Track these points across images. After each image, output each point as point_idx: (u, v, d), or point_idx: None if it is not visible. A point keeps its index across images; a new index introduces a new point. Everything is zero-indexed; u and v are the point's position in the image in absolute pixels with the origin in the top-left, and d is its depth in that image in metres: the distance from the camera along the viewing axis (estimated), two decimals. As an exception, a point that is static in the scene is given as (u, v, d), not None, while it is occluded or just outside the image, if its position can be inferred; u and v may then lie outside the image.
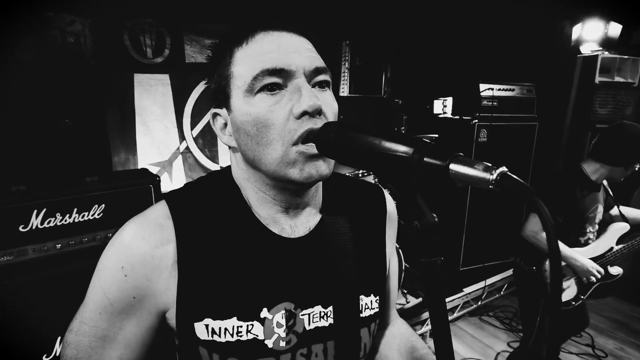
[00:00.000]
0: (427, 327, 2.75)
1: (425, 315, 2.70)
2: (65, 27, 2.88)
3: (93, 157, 3.00)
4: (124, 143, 3.25)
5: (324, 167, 0.58)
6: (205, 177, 0.71)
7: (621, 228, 1.96)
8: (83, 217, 1.71)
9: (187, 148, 3.35)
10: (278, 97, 0.57)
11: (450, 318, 2.93)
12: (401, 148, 0.42)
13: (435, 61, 3.72)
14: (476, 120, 2.93)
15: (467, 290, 2.95)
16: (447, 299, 2.85)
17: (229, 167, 0.69)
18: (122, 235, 0.59)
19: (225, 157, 3.82)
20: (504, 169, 0.36)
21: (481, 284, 2.99)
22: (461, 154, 0.39)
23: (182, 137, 3.33)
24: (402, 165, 0.42)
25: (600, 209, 1.95)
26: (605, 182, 1.98)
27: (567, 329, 2.26)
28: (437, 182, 0.38)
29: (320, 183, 0.70)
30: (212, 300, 0.59)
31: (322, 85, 0.61)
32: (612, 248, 1.94)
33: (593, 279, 1.86)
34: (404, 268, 2.56)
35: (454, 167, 0.38)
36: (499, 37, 3.50)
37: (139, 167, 3.30)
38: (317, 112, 0.57)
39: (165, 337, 0.65)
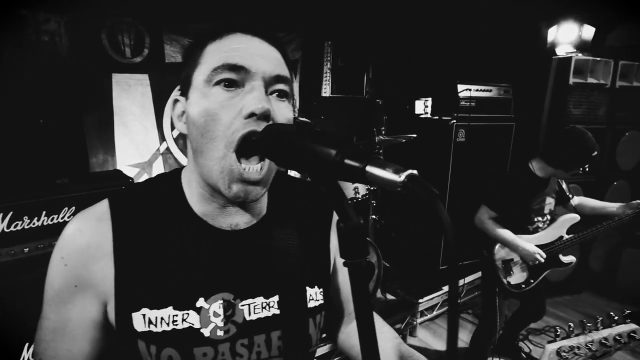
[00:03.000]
0: (406, 324, 2.78)
1: (402, 314, 2.73)
2: (40, 25, 2.82)
3: (69, 159, 2.95)
4: (102, 144, 3.20)
5: (255, 192, 0.61)
6: (154, 177, 0.74)
7: (570, 219, 2.08)
8: (52, 220, 1.68)
9: (168, 149, 3.31)
10: (232, 94, 0.59)
11: (429, 316, 2.97)
12: (326, 150, 0.43)
13: (416, 62, 3.76)
14: (454, 121, 2.97)
15: (445, 288, 2.99)
16: (427, 297, 2.89)
17: (182, 167, 0.72)
18: (64, 230, 0.63)
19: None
20: (412, 171, 0.37)
21: (460, 282, 3.03)
22: (380, 156, 0.39)
23: (162, 138, 3.28)
24: (327, 167, 0.43)
25: (549, 201, 2.09)
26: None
27: (523, 316, 2.37)
28: (357, 182, 0.39)
29: None
30: (149, 290, 0.61)
31: (280, 94, 0.63)
32: (562, 237, 2.08)
33: (536, 261, 2.00)
34: (382, 267, 2.58)
35: (369, 169, 0.39)
36: (477, 38, 3.56)
37: (118, 168, 3.25)
38: (265, 117, 0.58)
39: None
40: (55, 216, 1.68)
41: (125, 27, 3.12)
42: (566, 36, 3.29)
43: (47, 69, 2.84)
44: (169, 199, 0.67)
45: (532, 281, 2.10)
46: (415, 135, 2.74)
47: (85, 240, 0.61)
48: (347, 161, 0.41)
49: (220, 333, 0.63)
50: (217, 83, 0.59)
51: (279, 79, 0.61)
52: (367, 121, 3.21)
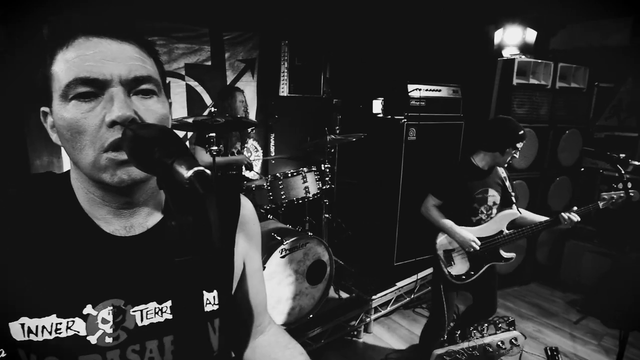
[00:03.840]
0: (360, 321, 2.82)
1: (356, 311, 2.77)
2: (-31, 19, 2.65)
3: (6, 161, 2.80)
4: (46, 145, 3.05)
5: (137, 171, 0.59)
6: (43, 175, 0.70)
7: (510, 214, 2.18)
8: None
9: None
10: (93, 105, 0.58)
11: (384, 312, 3.03)
12: (152, 148, 0.43)
13: (370, 62, 3.83)
14: (405, 120, 3.04)
15: (399, 284, 3.05)
16: (381, 294, 2.94)
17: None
18: None
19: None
20: (201, 169, 0.37)
21: (413, 278, 3.10)
22: (191, 155, 0.40)
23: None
24: (152, 164, 0.44)
25: (493, 192, 2.18)
26: (503, 173, 2.23)
27: (474, 312, 2.45)
28: (171, 180, 0.39)
29: None
30: (29, 298, 0.59)
31: (145, 93, 0.61)
32: (502, 232, 2.17)
33: (472, 249, 2.10)
34: (334, 265, 2.60)
35: (175, 165, 0.39)
36: (428, 40, 3.67)
37: (65, 170, 3.11)
38: (130, 122, 0.57)
39: None
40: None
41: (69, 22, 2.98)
42: (511, 39, 3.45)
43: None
44: (58, 202, 0.65)
45: (472, 273, 2.17)
46: (364, 135, 2.78)
47: None
48: (162, 158, 0.41)
49: (108, 340, 0.61)
50: (74, 98, 0.57)
51: (137, 80, 0.60)
52: (322, 120, 3.23)
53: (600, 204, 2.16)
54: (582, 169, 2.77)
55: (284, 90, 3.88)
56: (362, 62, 3.89)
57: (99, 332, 0.61)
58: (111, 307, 0.62)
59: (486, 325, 0.96)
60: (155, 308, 0.66)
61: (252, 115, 3.84)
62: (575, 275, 3.58)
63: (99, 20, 0.60)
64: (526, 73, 3.22)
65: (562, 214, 2.12)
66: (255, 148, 3.82)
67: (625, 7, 3.46)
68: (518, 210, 2.22)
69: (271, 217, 2.72)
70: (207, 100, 3.71)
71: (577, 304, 3.37)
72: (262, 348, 0.88)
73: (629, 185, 2.07)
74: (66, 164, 3.13)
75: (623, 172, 2.13)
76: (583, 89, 3.53)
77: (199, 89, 3.67)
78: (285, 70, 3.86)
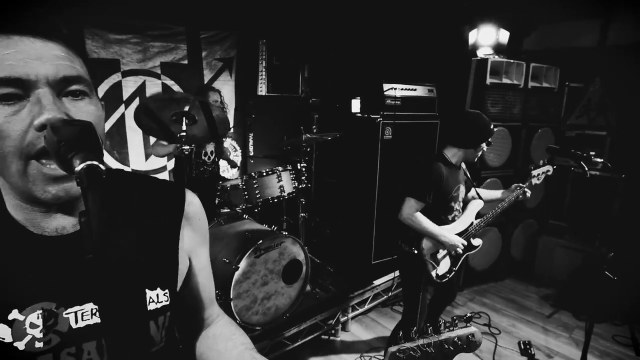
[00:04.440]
0: (337, 319, 2.83)
1: (333, 310, 2.77)
2: None
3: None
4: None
5: (75, 187, 0.55)
6: None
7: (477, 205, 2.24)
8: None
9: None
10: (17, 108, 0.54)
11: (361, 310, 3.04)
12: (59, 143, 0.42)
13: (347, 62, 3.84)
14: (381, 119, 3.06)
15: (376, 282, 3.07)
16: (359, 292, 2.95)
17: None
18: None
19: (138, 159, 3.64)
20: (92, 162, 0.37)
21: (390, 276, 3.13)
22: (93, 149, 0.40)
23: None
24: (60, 160, 0.43)
25: (462, 188, 2.22)
26: (464, 166, 2.25)
27: (438, 301, 2.48)
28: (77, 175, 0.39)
29: None
30: None
31: (75, 94, 0.59)
32: (472, 222, 2.22)
33: (459, 250, 2.11)
34: (310, 264, 2.60)
35: (73, 160, 0.39)
36: (404, 39, 3.70)
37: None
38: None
39: None
40: None
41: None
42: (485, 39, 3.51)
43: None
44: None
45: (454, 269, 2.20)
46: (339, 134, 2.79)
47: None
48: (65, 154, 0.41)
49: (39, 345, 0.59)
50: None
51: (67, 80, 0.57)
52: (300, 120, 3.23)
53: (533, 181, 2.37)
54: (555, 167, 2.84)
55: (262, 90, 3.86)
56: (339, 62, 3.90)
57: (28, 338, 0.59)
58: (41, 311, 0.60)
59: (443, 322, 0.96)
60: (92, 309, 0.64)
61: (231, 115, 3.81)
62: (548, 270, 3.67)
63: (20, 17, 0.56)
64: (499, 73, 3.28)
65: (525, 187, 2.32)
66: (234, 148, 3.79)
67: (594, 10, 3.57)
68: (479, 195, 2.30)
69: (247, 216, 2.70)
70: (184, 99, 3.66)
71: (550, 299, 3.46)
72: (207, 340, 0.87)
73: (546, 161, 2.50)
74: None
75: (587, 168, 2.22)
76: (554, 88, 3.62)
77: (176, 87, 3.62)
78: (264, 70, 3.84)
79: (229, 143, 3.71)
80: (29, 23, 0.56)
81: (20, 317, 0.59)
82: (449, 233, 2.09)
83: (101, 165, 0.37)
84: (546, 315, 3.24)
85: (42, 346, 0.59)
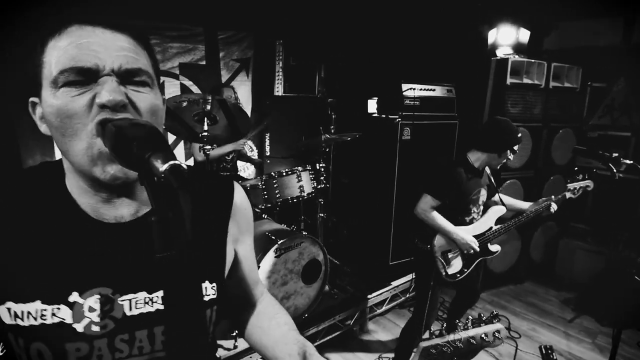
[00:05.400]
0: (356, 320, 2.82)
1: (351, 310, 2.77)
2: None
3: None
4: (39, 145, 3.03)
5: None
6: (37, 165, 0.70)
7: (498, 210, 2.24)
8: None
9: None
10: (83, 90, 0.57)
11: (379, 311, 3.03)
12: (131, 143, 0.43)
13: (365, 62, 3.83)
14: (399, 119, 3.04)
15: (394, 283, 3.06)
16: (377, 293, 2.94)
17: None
18: None
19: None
20: (176, 162, 0.37)
21: (408, 277, 3.11)
22: (169, 149, 0.40)
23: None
24: (130, 158, 0.43)
25: (484, 192, 2.21)
26: (488, 171, 2.25)
27: (459, 303, 2.48)
28: (152, 173, 0.39)
29: None
30: (15, 283, 0.59)
31: (137, 84, 0.61)
32: (491, 227, 2.22)
33: (472, 251, 2.12)
34: (329, 264, 2.60)
35: (151, 159, 0.39)
36: (422, 39, 3.67)
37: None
38: (121, 107, 0.57)
39: None
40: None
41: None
42: (505, 39, 3.46)
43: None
44: (48, 190, 0.65)
45: (465, 270, 2.20)
46: (358, 134, 2.78)
47: None
48: (139, 152, 0.41)
49: (95, 328, 0.61)
50: (64, 85, 0.57)
51: (130, 73, 0.59)
52: (316, 120, 3.23)
53: (567, 194, 2.32)
54: (576, 168, 2.79)
55: (278, 90, 3.87)
56: (356, 62, 3.89)
57: (86, 321, 0.61)
58: (98, 296, 0.62)
59: (471, 318, 0.97)
60: (145, 298, 0.65)
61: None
62: (569, 273, 3.60)
63: (93, 11, 0.60)
64: (520, 73, 3.23)
65: (551, 202, 2.29)
66: (251, 147, 3.81)
67: (616, 7, 3.49)
68: (502, 202, 2.27)
69: (266, 216, 2.71)
70: (202, 99, 3.69)
71: (572, 303, 3.39)
72: (252, 317, 0.90)
73: (586, 176, 2.37)
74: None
75: (615, 170, 2.17)
76: (576, 88, 3.55)
77: (194, 88, 3.66)
78: (280, 70, 3.85)
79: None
80: (102, 15, 0.60)
81: (80, 300, 0.61)
82: (462, 232, 2.10)
83: (183, 165, 0.38)
84: (567, 320, 3.18)
85: (98, 330, 0.61)
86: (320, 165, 2.86)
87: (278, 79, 3.88)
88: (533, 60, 3.26)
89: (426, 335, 2.24)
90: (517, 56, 3.30)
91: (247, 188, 2.61)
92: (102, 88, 0.56)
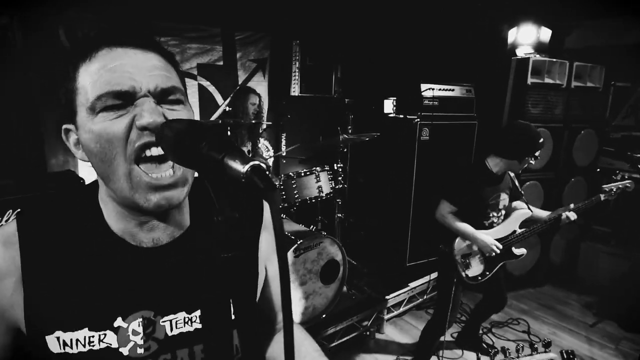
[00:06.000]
0: (373, 321, 2.81)
1: (369, 311, 2.76)
2: (-12, 20, 2.69)
3: (22, 159, 2.84)
4: (62, 144, 3.08)
5: (177, 195, 0.59)
6: (72, 190, 0.72)
7: (523, 214, 2.20)
8: (-5, 223, 1.61)
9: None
10: (122, 112, 0.57)
11: (396, 312, 3.01)
12: (196, 142, 0.43)
13: (382, 62, 3.81)
14: (418, 119, 3.02)
15: (412, 285, 3.03)
16: (394, 294, 2.92)
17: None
18: None
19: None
20: (257, 163, 0.37)
21: (426, 279, 3.08)
22: (242, 149, 0.40)
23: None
24: (197, 158, 0.43)
25: (504, 197, 2.17)
26: (511, 175, 2.22)
27: (485, 307, 2.45)
28: (220, 176, 0.39)
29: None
30: (62, 313, 0.60)
31: (171, 103, 0.61)
32: (515, 231, 2.19)
33: (493, 253, 2.09)
34: (347, 265, 2.59)
35: (226, 160, 0.39)
36: (440, 39, 3.64)
37: (79, 170, 3.15)
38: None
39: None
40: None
41: (85, 23, 3.02)
42: (525, 38, 3.40)
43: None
44: (84, 218, 0.65)
45: (487, 273, 2.18)
46: (377, 134, 2.77)
47: None
48: (210, 152, 0.41)
49: (140, 351, 0.62)
50: (102, 110, 0.56)
51: (164, 92, 0.59)
52: (334, 120, 3.22)
53: (602, 196, 2.23)
54: (598, 170, 2.72)
55: (295, 90, 3.88)
56: (373, 62, 3.87)
57: (131, 344, 0.62)
58: (141, 319, 0.63)
59: (522, 345, 0.95)
60: (184, 318, 0.66)
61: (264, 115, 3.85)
62: (590, 277, 3.52)
63: (120, 30, 0.59)
64: (541, 72, 3.17)
65: (563, 213, 2.18)
66: (267, 148, 3.83)
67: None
68: (529, 208, 2.22)
69: (284, 216, 2.72)
70: (219, 99, 3.72)
71: (593, 307, 3.32)
72: (279, 344, 0.87)
73: (626, 176, 2.23)
74: (82, 163, 3.16)
75: (644, 172, 2.12)
76: (599, 88, 3.47)
77: (211, 88, 3.69)
78: (297, 70, 3.86)
79: (262, 143, 3.75)
80: (130, 35, 0.59)
81: (124, 325, 0.62)
82: (482, 234, 2.08)
83: (263, 164, 0.37)
84: (589, 325, 3.10)
85: (142, 352, 0.63)
86: (338, 165, 2.85)
87: (294, 79, 3.89)
88: (555, 60, 3.20)
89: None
90: (538, 55, 3.24)
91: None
92: (142, 109, 0.56)
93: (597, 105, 3.56)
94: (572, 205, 2.21)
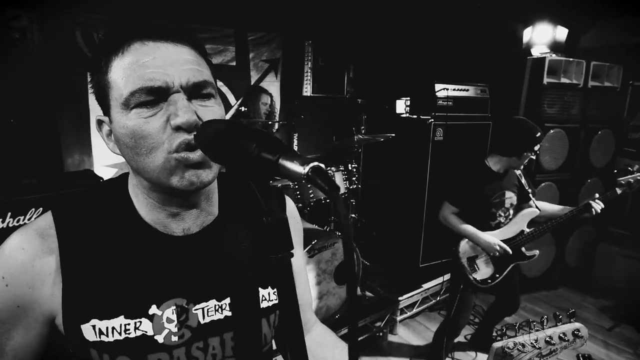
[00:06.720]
0: (386, 322, 2.80)
1: (382, 312, 2.75)
2: (8, 21, 2.74)
3: (41, 159, 2.89)
4: (78, 144, 3.13)
5: (205, 174, 0.59)
6: (101, 184, 0.72)
7: (530, 213, 2.15)
8: (18, 221, 1.63)
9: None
10: (155, 110, 0.57)
11: (409, 314, 2.99)
12: (246, 144, 0.43)
13: (395, 62, 3.79)
14: (432, 120, 3.00)
15: (425, 286, 3.02)
16: (407, 295, 2.91)
17: (127, 173, 0.70)
18: (3, 246, 0.61)
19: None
20: (317, 164, 0.37)
21: (439, 280, 3.06)
22: (295, 150, 0.40)
23: (139, 137, 3.22)
24: (247, 160, 0.43)
25: (510, 195, 2.15)
26: (518, 173, 2.19)
27: (498, 310, 2.42)
28: (273, 176, 0.39)
29: (215, 186, 0.71)
30: (98, 301, 0.61)
31: (203, 97, 0.61)
32: (523, 231, 2.15)
33: (497, 254, 2.07)
34: (361, 265, 2.59)
35: (282, 161, 0.38)
36: (455, 39, 3.61)
37: (95, 168, 3.20)
38: (192, 127, 0.57)
39: (61, 344, 0.65)
40: (22, 217, 1.63)
41: (101, 24, 3.05)
42: (541, 37, 3.36)
43: (18, 67, 2.77)
44: (116, 209, 0.66)
45: (497, 276, 2.16)
46: (393, 135, 2.76)
47: (29, 259, 0.59)
48: (263, 154, 0.41)
49: (174, 338, 0.63)
50: (136, 106, 0.56)
51: (197, 86, 0.59)
52: (347, 120, 3.22)
53: (618, 190, 2.13)
54: (615, 171, 2.66)
55: (307, 90, 3.89)
56: (386, 62, 3.86)
57: (165, 331, 0.62)
58: (174, 307, 0.64)
59: (545, 317, 0.93)
60: (215, 305, 0.67)
61: (276, 115, 3.86)
62: (607, 280, 3.46)
63: (152, 23, 0.59)
64: (557, 72, 3.13)
65: (591, 202, 2.07)
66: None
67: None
68: (536, 207, 2.19)
69: (297, 216, 2.72)
70: (232, 100, 3.75)
71: (610, 311, 3.26)
72: (311, 346, 0.86)
73: None
74: (97, 162, 3.21)
75: (665, 174, 2.07)
76: (617, 87, 3.41)
77: (224, 89, 3.71)
78: (309, 70, 3.87)
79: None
80: (162, 28, 0.59)
81: (159, 312, 0.62)
82: (484, 234, 2.07)
83: (322, 165, 0.37)
84: (606, 329, 3.05)
85: (177, 340, 0.63)
86: (353, 165, 2.85)
87: (307, 80, 3.90)
88: (571, 59, 3.15)
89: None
90: (554, 55, 3.20)
91: (280, 188, 2.63)
92: (176, 109, 0.56)
93: (615, 105, 3.50)
94: (597, 195, 2.10)
